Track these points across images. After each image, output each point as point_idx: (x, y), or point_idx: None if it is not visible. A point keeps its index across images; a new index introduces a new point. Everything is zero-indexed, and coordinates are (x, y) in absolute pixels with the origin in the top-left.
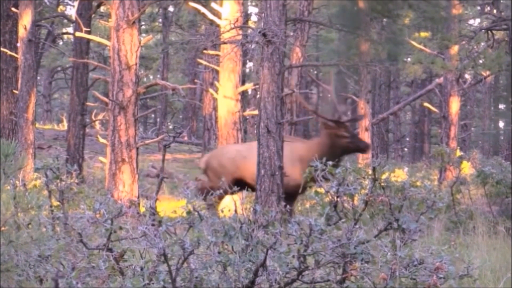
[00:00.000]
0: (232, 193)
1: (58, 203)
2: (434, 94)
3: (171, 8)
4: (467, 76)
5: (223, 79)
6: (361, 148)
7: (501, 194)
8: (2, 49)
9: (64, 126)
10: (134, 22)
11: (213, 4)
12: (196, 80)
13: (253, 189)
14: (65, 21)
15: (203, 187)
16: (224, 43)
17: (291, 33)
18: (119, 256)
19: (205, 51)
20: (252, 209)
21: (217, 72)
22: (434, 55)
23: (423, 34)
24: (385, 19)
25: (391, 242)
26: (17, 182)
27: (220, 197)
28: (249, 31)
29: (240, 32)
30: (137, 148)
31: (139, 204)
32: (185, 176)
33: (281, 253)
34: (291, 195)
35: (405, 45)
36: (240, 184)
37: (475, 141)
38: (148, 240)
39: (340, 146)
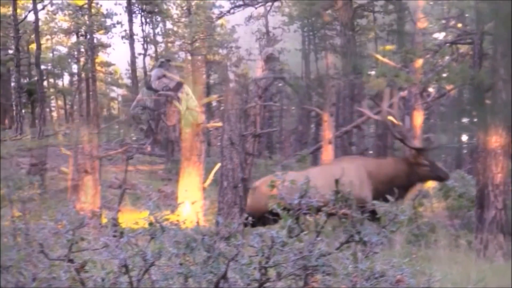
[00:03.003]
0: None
1: (20, 213)
2: (398, 107)
3: None
4: (431, 89)
5: (188, 91)
6: (441, 177)
7: (463, 207)
8: None
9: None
10: None
11: None
12: (160, 92)
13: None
14: None
15: None
16: (191, 54)
17: (257, 45)
18: (80, 267)
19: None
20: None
21: (181, 83)
22: (398, 68)
23: (387, 47)
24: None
25: (353, 254)
26: None
27: None
28: None
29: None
30: (100, 159)
31: (101, 215)
32: (147, 188)
33: (243, 265)
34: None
35: (369, 59)
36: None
37: (438, 155)
38: (110, 251)
39: (418, 174)
